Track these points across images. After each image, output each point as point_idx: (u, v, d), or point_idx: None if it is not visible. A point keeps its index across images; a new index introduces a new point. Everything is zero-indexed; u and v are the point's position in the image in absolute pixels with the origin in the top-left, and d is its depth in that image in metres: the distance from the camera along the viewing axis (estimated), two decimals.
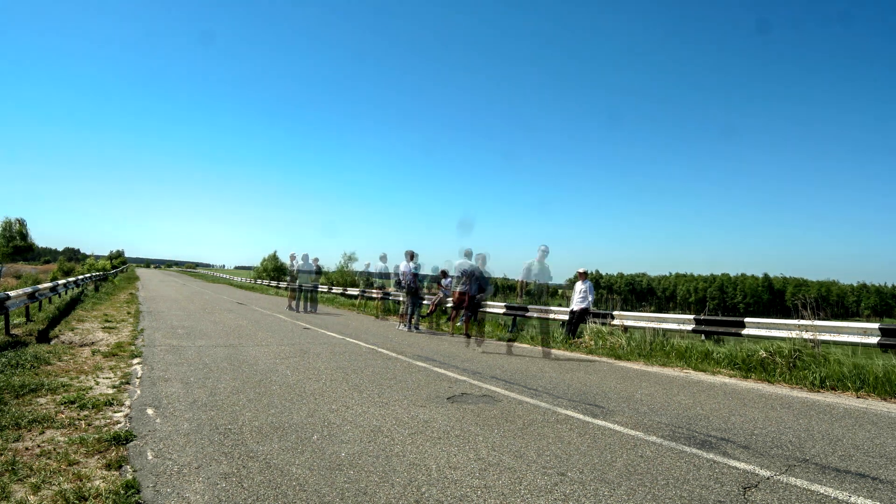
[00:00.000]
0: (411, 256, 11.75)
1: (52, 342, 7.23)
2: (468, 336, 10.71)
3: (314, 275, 16.14)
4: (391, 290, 14.91)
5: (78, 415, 3.84)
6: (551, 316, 11.90)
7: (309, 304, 15.71)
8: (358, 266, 29.60)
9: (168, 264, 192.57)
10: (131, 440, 3.33)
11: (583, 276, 10.35)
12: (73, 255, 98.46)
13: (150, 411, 4.02)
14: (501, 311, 13.09)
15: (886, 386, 5.72)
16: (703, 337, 9.19)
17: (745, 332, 8.44)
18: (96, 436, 3.34)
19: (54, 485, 2.63)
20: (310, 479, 2.84)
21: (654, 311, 10.75)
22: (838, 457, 3.55)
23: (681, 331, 9.42)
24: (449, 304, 12.83)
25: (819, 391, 5.96)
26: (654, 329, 9.34)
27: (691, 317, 9.37)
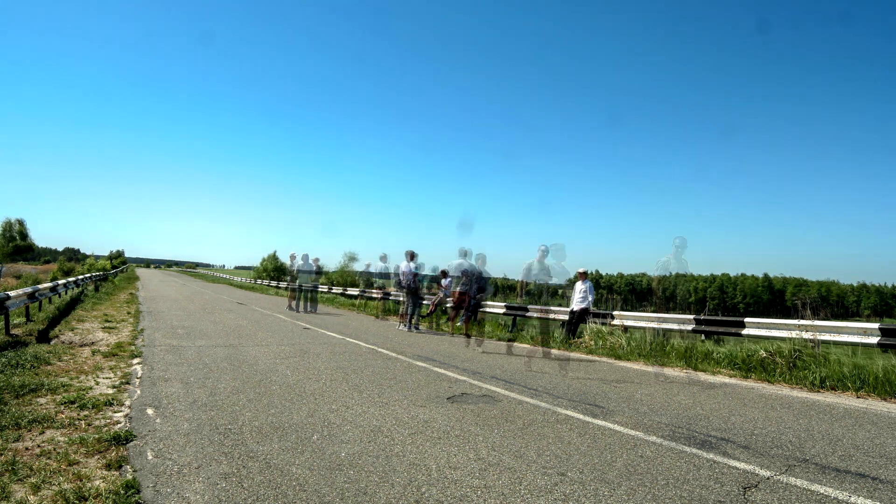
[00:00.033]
0: (411, 256, 11.75)
1: (52, 342, 7.23)
2: (468, 336, 10.71)
3: (314, 275, 16.14)
4: (392, 290, 14.91)
5: (78, 415, 3.84)
6: (551, 316, 11.90)
7: (309, 304, 15.71)
8: (358, 266, 29.63)
9: (168, 264, 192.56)
10: (131, 440, 3.33)
11: (583, 276, 10.35)
12: (73, 255, 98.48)
13: (150, 411, 4.02)
14: (501, 311, 13.09)
15: (886, 386, 5.72)
16: (703, 337, 9.19)
17: (745, 332, 8.43)
18: (96, 436, 3.34)
19: (54, 485, 2.63)
20: (310, 479, 2.84)
21: (653, 311, 10.72)
22: (838, 457, 3.55)
23: (681, 331, 9.42)
24: (449, 304, 12.83)
25: (819, 391, 5.96)
26: (654, 329, 9.34)
27: (691, 317, 9.37)
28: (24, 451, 3.07)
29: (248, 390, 4.84)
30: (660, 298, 7.22)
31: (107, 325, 9.59)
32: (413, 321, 11.57)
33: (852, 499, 2.82)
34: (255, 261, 46.44)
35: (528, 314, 12.32)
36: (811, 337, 7.00)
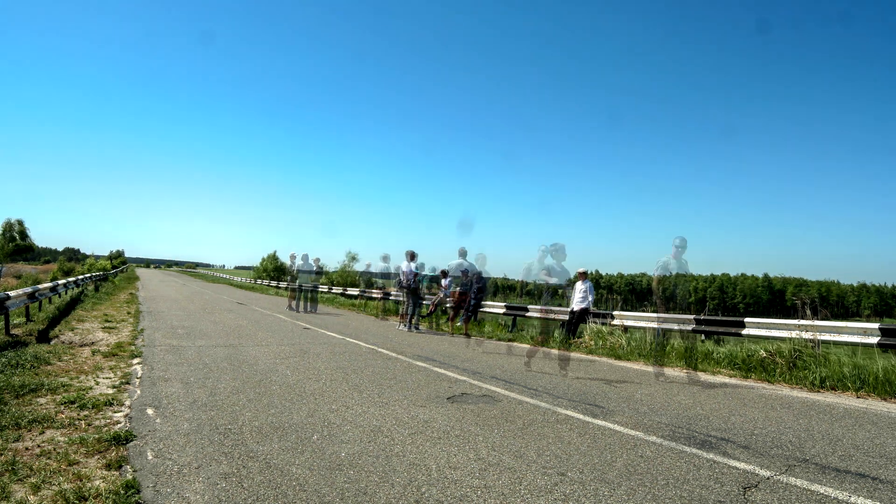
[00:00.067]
0: (412, 256, 11.76)
1: (52, 342, 7.23)
2: (468, 336, 10.71)
3: (314, 275, 16.14)
4: (392, 290, 14.91)
5: (78, 415, 3.84)
6: (551, 316, 11.89)
7: (309, 304, 15.71)
8: (359, 266, 29.62)
9: (168, 264, 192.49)
10: (131, 440, 3.33)
11: (583, 276, 10.35)
12: (73, 255, 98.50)
13: (150, 411, 4.02)
14: (501, 311, 13.09)
15: (886, 386, 5.72)
16: (703, 337, 9.19)
17: (745, 332, 8.44)
18: (96, 436, 3.34)
19: (54, 485, 2.63)
20: (310, 479, 2.84)
21: (653, 312, 10.70)
22: (838, 457, 3.55)
23: (681, 331, 9.41)
24: (449, 305, 12.83)
25: (819, 391, 5.96)
26: (654, 329, 9.34)
27: (691, 317, 9.37)
28: (24, 451, 3.07)
29: (248, 390, 4.84)
30: (660, 298, 7.07)
31: (107, 325, 9.59)
32: (413, 321, 11.57)
33: (852, 499, 2.82)
34: (255, 261, 46.48)
35: (529, 314, 12.32)
36: (811, 337, 7.00)
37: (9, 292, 8.22)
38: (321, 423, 3.88)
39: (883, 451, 3.73)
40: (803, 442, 3.88)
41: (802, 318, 7.32)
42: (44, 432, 3.42)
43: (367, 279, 21.10)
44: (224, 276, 63.93)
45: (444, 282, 12.89)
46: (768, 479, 3.08)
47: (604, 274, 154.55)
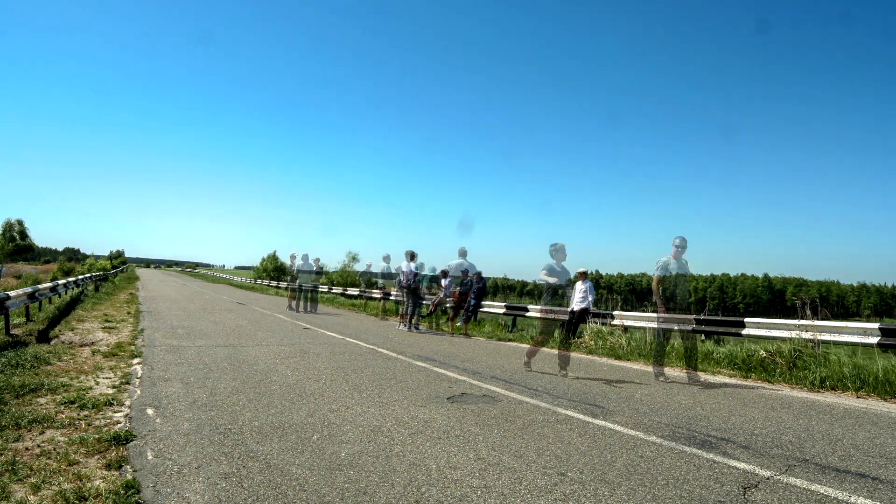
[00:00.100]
0: (412, 256, 11.76)
1: (52, 342, 7.23)
2: (468, 336, 10.72)
3: (314, 275, 16.14)
4: (392, 290, 14.91)
5: (78, 415, 3.84)
6: (550, 316, 11.89)
7: (309, 304, 15.71)
8: (359, 266, 29.62)
9: (168, 264, 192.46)
10: (131, 440, 3.33)
11: (583, 275, 10.34)
12: (73, 255, 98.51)
13: (150, 411, 4.02)
14: (501, 311, 13.09)
15: (886, 386, 5.72)
16: (703, 337, 9.19)
17: (745, 332, 8.43)
18: (96, 436, 3.34)
19: (54, 485, 2.63)
20: (310, 479, 2.84)
21: (653, 312, 10.69)
22: (838, 457, 3.55)
23: (681, 331, 9.40)
24: (449, 305, 12.83)
25: (819, 391, 5.96)
26: (654, 329, 9.33)
27: (691, 317, 9.36)
28: (24, 451, 3.07)
29: (248, 390, 4.84)
30: (660, 298, 7.02)
31: (107, 325, 9.59)
32: (413, 321, 11.57)
33: (852, 499, 2.82)
34: (255, 261, 46.47)
35: (529, 314, 12.32)
36: (811, 337, 7.00)
37: (9, 292, 8.22)
38: (321, 423, 3.88)
39: (883, 451, 3.73)
40: (803, 442, 3.88)
41: (802, 318, 7.32)
42: (44, 432, 3.42)
43: (368, 279, 21.09)
44: (224, 276, 63.92)
45: (444, 282, 12.89)
46: (768, 479, 3.08)
47: (604, 274, 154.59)
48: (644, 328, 9.56)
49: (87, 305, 13.62)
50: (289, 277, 17.69)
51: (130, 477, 2.74)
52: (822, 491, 2.91)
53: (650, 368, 7.29)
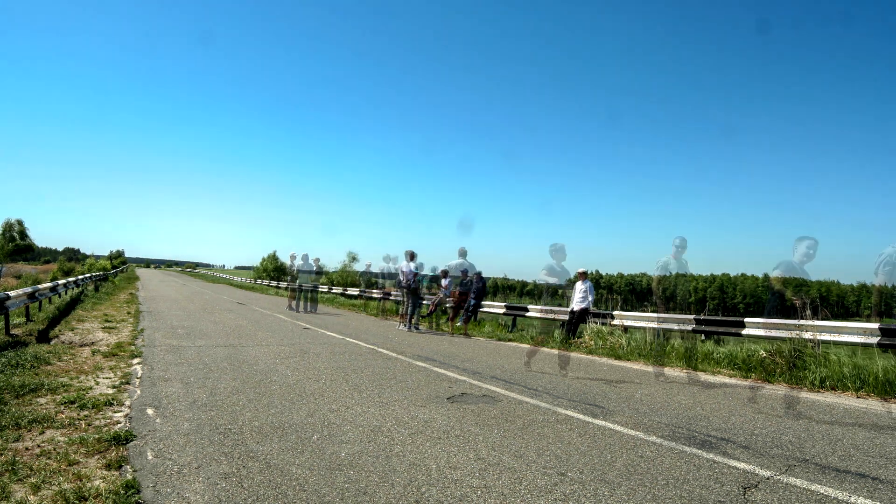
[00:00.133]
0: (411, 256, 11.76)
1: (52, 342, 7.23)
2: (468, 336, 10.71)
3: (314, 275, 16.14)
4: (391, 290, 14.91)
5: (78, 415, 3.84)
6: (550, 316, 11.90)
7: (309, 304, 15.71)
8: (359, 266, 29.61)
9: (168, 264, 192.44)
10: (131, 440, 3.33)
11: (583, 276, 10.34)
12: (73, 255, 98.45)
13: (150, 411, 4.02)
14: (501, 311, 13.09)
15: (886, 386, 5.72)
16: (703, 337, 9.19)
17: (745, 332, 8.43)
18: (96, 436, 3.34)
19: (54, 485, 2.63)
20: (310, 479, 2.84)
21: (653, 311, 10.69)
22: (838, 457, 3.55)
23: (681, 331, 9.41)
24: (449, 305, 12.83)
25: (819, 391, 5.96)
26: (654, 329, 9.34)
27: (691, 317, 9.37)
28: (24, 451, 3.07)
29: (248, 390, 4.84)
30: (660, 299, 7.01)
31: (107, 325, 9.59)
32: (413, 321, 11.57)
33: (852, 499, 2.82)
34: (255, 261, 46.46)
35: (529, 314, 12.32)
36: (811, 337, 7.00)
37: (9, 292, 8.22)
38: (321, 423, 3.88)
39: (883, 451, 3.73)
40: (803, 442, 3.88)
41: (802, 318, 7.32)
42: (44, 432, 3.42)
43: (368, 279, 21.09)
44: (224, 276, 63.91)
45: (444, 282, 12.89)
46: (768, 479, 3.08)
47: (604, 274, 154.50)
48: (644, 328, 9.56)
49: (87, 305, 13.62)
50: (289, 277, 17.69)
51: (130, 477, 2.74)
52: (822, 491, 2.91)
53: (650, 368, 7.29)
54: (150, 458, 3.05)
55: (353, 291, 22.97)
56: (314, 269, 16.16)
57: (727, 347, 8.03)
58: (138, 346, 7.06)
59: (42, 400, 4.21)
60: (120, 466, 2.90)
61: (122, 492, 2.54)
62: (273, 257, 43.50)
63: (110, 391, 4.62)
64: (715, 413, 4.71)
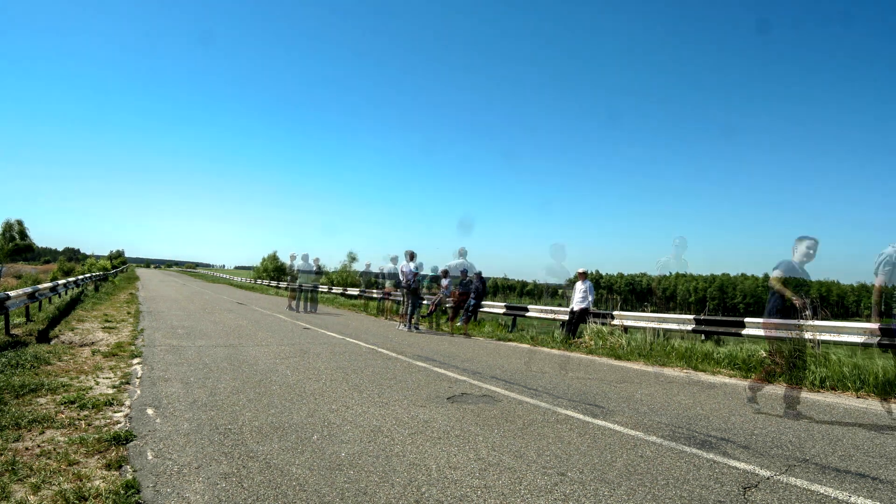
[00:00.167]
0: (411, 256, 11.76)
1: (52, 342, 7.23)
2: (468, 336, 10.72)
3: (314, 275, 16.14)
4: (390, 289, 14.91)
5: (78, 415, 3.84)
6: (550, 316, 11.91)
7: (309, 304, 15.70)
8: (358, 266, 29.63)
9: (168, 264, 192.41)
10: (131, 440, 3.33)
11: (583, 276, 10.35)
12: (73, 255, 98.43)
13: (150, 411, 4.02)
14: (501, 311, 13.09)
15: (886, 386, 5.72)
16: (703, 337, 9.19)
17: (745, 332, 8.44)
18: (96, 436, 3.34)
19: (54, 485, 2.63)
20: (310, 479, 2.84)
21: (654, 312, 10.70)
22: (838, 457, 3.55)
23: (681, 331, 9.42)
24: (449, 305, 12.83)
25: (819, 391, 5.96)
26: (654, 329, 9.34)
27: (691, 317, 9.37)
28: (24, 451, 3.07)
29: (248, 390, 4.84)
30: (659, 299, 7.03)
31: (107, 325, 9.59)
32: (413, 321, 11.57)
33: (852, 499, 2.82)
34: (255, 261, 46.48)
35: (529, 314, 12.32)
36: (811, 337, 6.99)
37: (9, 292, 8.22)
38: (321, 423, 3.88)
39: (883, 451, 3.73)
40: (803, 442, 3.88)
41: (802, 319, 7.31)
42: (44, 432, 3.42)
43: (368, 279, 21.09)
44: (224, 276, 63.89)
45: (444, 282, 12.90)
46: (768, 479, 3.08)
47: (604, 274, 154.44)
48: (644, 328, 9.56)
49: (87, 305, 13.61)
50: (289, 277, 17.69)
51: (130, 477, 2.74)
52: (822, 491, 2.91)
53: (650, 368, 7.29)
54: (150, 458, 3.05)
55: (353, 291, 22.97)
56: (314, 269, 16.15)
57: (727, 347, 8.03)
58: (138, 346, 7.06)
59: (42, 400, 4.21)
60: (120, 466, 2.90)
61: (122, 492, 2.54)
62: (273, 257, 43.53)
63: (110, 391, 4.62)
64: (715, 413, 4.71)
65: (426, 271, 12.87)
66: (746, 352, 7.43)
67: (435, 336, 10.56)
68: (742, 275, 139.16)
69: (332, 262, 33.03)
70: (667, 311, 7.60)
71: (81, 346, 7.09)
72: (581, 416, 4.37)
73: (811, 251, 5.49)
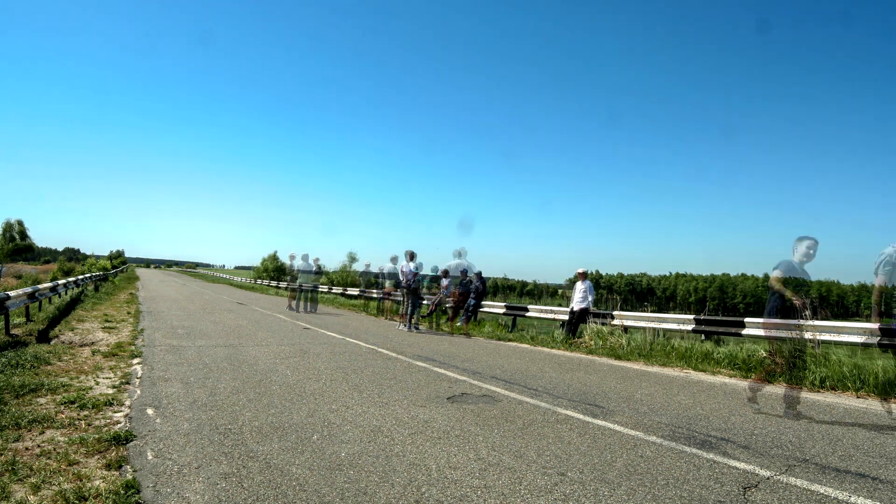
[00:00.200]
0: (411, 256, 11.77)
1: (52, 342, 7.23)
2: (468, 336, 10.72)
3: (314, 275, 16.14)
4: (389, 289, 14.91)
5: (78, 415, 3.84)
6: (550, 316, 11.91)
7: (309, 304, 15.70)
8: (358, 266, 29.63)
9: (168, 264, 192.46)
10: (131, 440, 3.33)
11: (583, 276, 10.35)
12: (73, 255, 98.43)
13: (150, 411, 4.02)
14: (501, 311, 13.09)
15: (886, 386, 5.72)
16: (702, 337, 9.20)
17: (745, 332, 8.44)
18: (96, 436, 3.34)
19: (54, 485, 2.63)
20: (310, 479, 2.84)
21: (654, 312, 10.68)
22: (838, 457, 3.55)
23: (681, 331, 9.42)
24: (449, 305, 12.83)
25: (819, 391, 5.96)
26: (654, 329, 9.34)
27: (691, 317, 9.37)
28: (24, 451, 3.07)
29: (248, 390, 4.84)
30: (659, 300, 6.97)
31: (107, 325, 9.59)
32: (413, 321, 11.57)
33: (852, 499, 2.82)
34: (255, 261, 46.48)
35: (529, 314, 12.32)
36: (811, 337, 6.99)
37: (9, 292, 8.22)
38: (321, 423, 3.88)
39: (883, 451, 3.73)
40: (803, 442, 3.88)
41: (802, 319, 7.31)
42: (44, 432, 3.42)
43: (368, 279, 21.08)
44: (224, 276, 63.88)
45: (444, 282, 12.90)
46: (768, 479, 3.08)
47: (604, 274, 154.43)
48: (644, 328, 9.56)
49: (87, 305, 13.61)
50: (289, 277, 17.68)
51: (130, 477, 2.74)
52: (822, 491, 2.91)
53: (650, 368, 7.29)
54: (150, 458, 3.05)
55: (353, 291, 22.97)
56: (314, 269, 16.16)
57: (727, 347, 8.03)
58: (138, 346, 7.06)
59: (42, 400, 4.21)
60: (120, 466, 2.90)
61: (122, 492, 2.54)
62: (273, 257, 43.52)
63: (110, 391, 4.62)
64: (715, 413, 4.71)
65: (426, 271, 12.87)
66: (746, 352, 7.43)
67: (435, 336, 10.56)
68: (742, 275, 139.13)
69: (332, 263, 33.05)
70: (667, 310, 7.58)
71: (81, 346, 7.09)
72: (581, 416, 4.37)
73: (811, 251, 5.45)
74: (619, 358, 8.15)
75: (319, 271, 17.37)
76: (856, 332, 7.03)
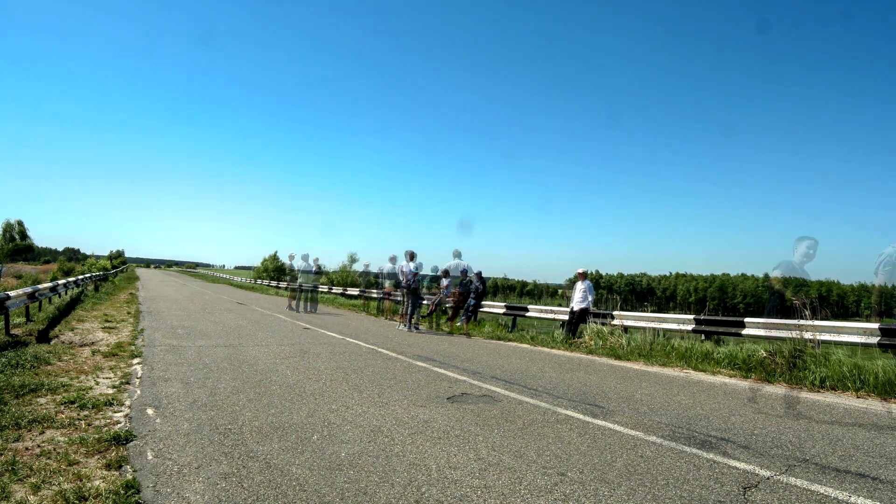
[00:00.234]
0: (411, 256, 11.77)
1: (52, 342, 7.23)
2: (468, 336, 10.72)
3: (314, 275, 16.14)
4: (388, 289, 14.91)
5: (78, 415, 3.84)
6: (550, 316, 11.91)
7: (309, 304, 15.71)
8: (358, 266, 29.64)
9: (168, 264, 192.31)
10: (131, 440, 3.33)
11: (582, 276, 10.35)
12: (73, 255, 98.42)
13: (150, 411, 4.02)
14: (501, 311, 13.09)
15: (886, 386, 5.72)
16: (703, 337, 9.20)
17: (745, 332, 8.44)
18: (96, 436, 3.34)
19: (54, 485, 2.63)
20: (310, 479, 2.84)
21: (654, 312, 10.67)
22: (838, 457, 3.55)
23: (681, 331, 9.42)
24: (449, 305, 12.83)
25: (819, 391, 5.96)
26: (654, 329, 9.34)
27: (691, 317, 9.37)
28: (24, 451, 3.07)
29: (248, 390, 4.84)
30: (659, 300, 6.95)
31: (107, 325, 9.59)
32: (413, 321, 11.57)
33: (852, 499, 2.82)
34: (255, 261, 46.47)
35: (529, 314, 12.32)
36: (811, 337, 7.00)
37: (9, 292, 8.22)
38: (321, 423, 3.88)
39: (883, 451, 3.73)
40: (803, 442, 3.88)
41: (802, 318, 7.32)
42: (44, 432, 3.42)
43: (368, 279, 21.09)
44: (224, 276, 63.88)
45: (444, 282, 12.90)
46: (768, 479, 3.08)
47: (604, 274, 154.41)
48: (644, 328, 9.56)
49: (87, 305, 13.62)
50: (289, 277, 17.69)
51: (130, 477, 2.74)
52: (822, 491, 2.91)
53: (650, 368, 7.29)
54: (150, 458, 3.05)
55: (353, 291, 22.97)
56: (314, 269, 16.16)
57: (727, 347, 8.03)
58: (138, 346, 7.06)
59: (42, 400, 4.21)
60: (120, 466, 2.90)
61: (122, 492, 2.54)
62: (273, 257, 43.48)
63: (110, 391, 4.62)
64: (715, 413, 4.71)
65: (426, 271, 12.87)
66: (746, 352, 7.43)
67: (435, 336, 10.56)
68: (742, 275, 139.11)
69: (332, 263, 33.05)
70: (667, 310, 7.60)
71: (81, 346, 7.09)
72: (581, 416, 4.37)
73: (811, 251, 5.44)
74: (619, 358, 8.15)
75: (319, 271, 17.38)
76: (856, 332, 7.03)
